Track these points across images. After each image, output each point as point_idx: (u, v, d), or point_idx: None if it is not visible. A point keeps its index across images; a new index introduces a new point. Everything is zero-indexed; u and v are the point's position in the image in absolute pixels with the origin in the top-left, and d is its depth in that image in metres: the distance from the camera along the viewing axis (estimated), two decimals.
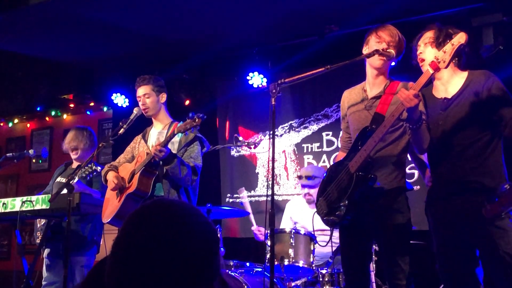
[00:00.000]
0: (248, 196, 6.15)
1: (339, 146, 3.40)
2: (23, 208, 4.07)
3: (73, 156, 4.54)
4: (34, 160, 8.19)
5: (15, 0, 5.17)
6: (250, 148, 4.71)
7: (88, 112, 7.93)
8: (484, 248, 2.71)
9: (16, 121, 8.49)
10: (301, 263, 3.96)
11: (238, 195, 6.00)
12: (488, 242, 2.66)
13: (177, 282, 1.23)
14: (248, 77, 5.92)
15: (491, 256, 2.68)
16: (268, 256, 3.87)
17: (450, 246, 2.79)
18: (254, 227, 4.78)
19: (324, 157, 5.93)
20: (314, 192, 4.59)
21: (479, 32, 4.73)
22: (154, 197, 3.61)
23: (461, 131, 2.78)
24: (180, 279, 1.24)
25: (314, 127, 6.03)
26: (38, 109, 8.05)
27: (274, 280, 2.85)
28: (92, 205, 4.01)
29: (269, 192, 2.76)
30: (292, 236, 4.00)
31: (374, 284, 3.80)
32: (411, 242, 3.00)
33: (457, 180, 2.77)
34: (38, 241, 4.36)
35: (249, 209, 4.86)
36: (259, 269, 4.16)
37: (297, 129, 6.12)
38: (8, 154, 4.65)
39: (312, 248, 4.01)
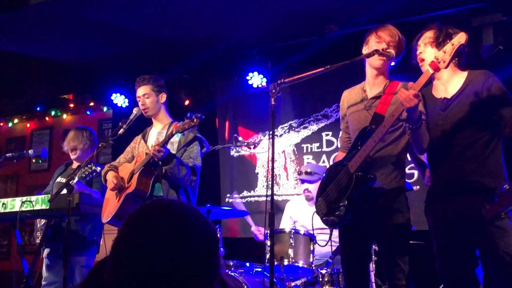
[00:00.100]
0: (248, 196, 6.16)
1: (339, 146, 3.40)
2: (23, 208, 4.07)
3: (73, 156, 4.54)
4: (34, 160, 8.19)
5: (15, 0, 5.18)
6: (250, 148, 4.71)
7: (88, 112, 7.93)
8: (484, 248, 2.71)
9: (16, 121, 8.49)
10: (300, 263, 3.96)
11: (239, 195, 6.01)
12: (488, 242, 2.66)
13: (177, 282, 1.23)
14: (248, 77, 5.92)
15: (491, 256, 2.68)
16: (267, 256, 3.87)
17: (450, 246, 2.79)
18: (253, 228, 4.78)
19: (324, 157, 5.93)
20: (312, 188, 4.61)
21: (479, 32, 4.74)
22: (153, 197, 3.61)
23: (461, 131, 2.78)
24: (180, 279, 1.24)
25: (314, 127, 6.03)
26: (38, 109, 8.05)
27: (274, 280, 2.85)
28: (92, 205, 4.01)
29: (269, 192, 2.76)
30: (292, 236, 4.00)
31: (374, 284, 3.80)
32: (411, 242, 3.00)
33: (457, 180, 2.77)
34: (38, 241, 4.36)
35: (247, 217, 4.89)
36: (259, 269, 4.16)
37: (296, 129, 6.12)
38: (8, 154, 4.64)
39: (311, 248, 4.01)
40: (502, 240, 2.62)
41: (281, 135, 6.17)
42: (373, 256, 3.75)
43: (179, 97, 6.38)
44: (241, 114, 6.47)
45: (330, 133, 5.92)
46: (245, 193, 6.22)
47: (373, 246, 3.58)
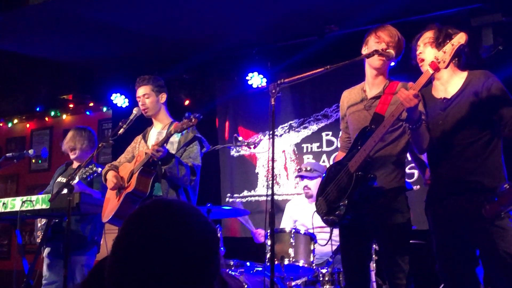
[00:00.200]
0: (249, 196, 6.17)
1: (339, 146, 3.40)
2: (23, 208, 4.07)
3: (72, 156, 4.54)
4: (34, 160, 8.19)
5: (15, 0, 5.18)
6: (250, 148, 4.73)
7: (87, 112, 7.93)
8: (484, 248, 2.72)
9: (16, 121, 8.49)
10: (301, 263, 3.96)
11: (239, 194, 6.01)
12: (488, 242, 2.67)
13: (177, 282, 1.23)
14: (247, 77, 5.92)
15: (491, 255, 2.68)
16: (268, 255, 3.87)
17: (450, 246, 2.79)
18: (254, 231, 4.80)
19: (324, 157, 5.94)
20: (312, 185, 4.62)
21: (479, 32, 4.74)
22: (153, 197, 3.61)
23: (461, 131, 2.78)
24: (180, 278, 1.24)
25: (314, 127, 6.03)
26: (38, 109, 8.04)
27: (274, 279, 2.85)
28: (92, 205, 4.01)
29: (269, 192, 2.76)
30: (292, 235, 4.00)
31: (374, 284, 3.81)
32: (411, 242, 3.00)
33: (457, 180, 2.77)
34: (38, 240, 4.36)
35: (242, 219, 4.89)
36: (259, 269, 4.17)
37: (296, 129, 6.13)
38: (8, 154, 4.65)
39: (312, 248, 4.01)
40: (502, 240, 2.62)
41: (281, 135, 6.17)
42: (374, 256, 3.76)
43: (179, 97, 6.38)
44: (241, 114, 6.47)
45: (330, 133, 5.92)
46: (245, 193, 6.22)
47: (374, 246, 3.58)
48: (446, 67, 2.65)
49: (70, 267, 3.87)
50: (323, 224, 3.15)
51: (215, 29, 5.58)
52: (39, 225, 4.42)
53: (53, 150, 7.90)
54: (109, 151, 7.15)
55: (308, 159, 6.01)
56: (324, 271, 4.05)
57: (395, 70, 3.12)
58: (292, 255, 3.95)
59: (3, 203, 4.19)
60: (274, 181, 3.81)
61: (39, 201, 4.06)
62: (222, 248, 4.24)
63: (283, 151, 6.18)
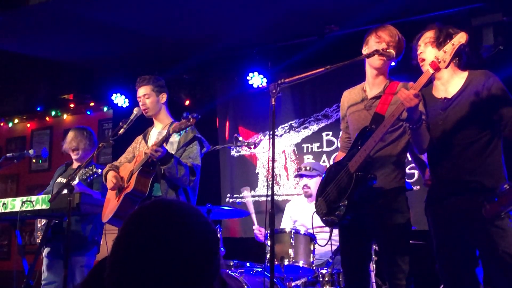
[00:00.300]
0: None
1: (339, 146, 3.40)
2: (23, 208, 4.07)
3: (74, 156, 4.54)
4: (34, 160, 8.19)
5: (15, 0, 5.18)
6: (250, 148, 4.72)
7: (88, 112, 7.93)
8: (484, 248, 2.71)
9: (16, 121, 8.49)
10: (301, 263, 3.96)
11: (240, 195, 6.00)
12: (488, 242, 2.66)
13: (177, 282, 1.23)
14: (248, 77, 5.92)
15: (491, 256, 2.68)
16: (268, 256, 3.87)
17: (450, 246, 2.79)
18: (255, 226, 4.78)
19: (324, 157, 5.94)
20: (311, 184, 4.62)
21: (479, 32, 4.74)
22: (152, 197, 3.61)
23: (461, 131, 2.78)
24: (180, 279, 1.24)
25: (314, 127, 6.03)
26: (38, 109, 8.05)
27: (274, 280, 2.85)
28: (92, 205, 4.01)
29: (269, 192, 2.76)
30: (292, 236, 4.00)
31: (374, 284, 3.80)
32: (411, 242, 3.00)
33: (457, 180, 2.77)
34: (38, 241, 4.36)
35: (251, 208, 4.86)
36: (259, 269, 4.16)
37: (297, 129, 6.13)
38: (8, 154, 4.64)
39: (312, 248, 4.01)
40: (502, 240, 2.62)
41: (281, 135, 6.17)
42: (374, 256, 3.75)
43: (179, 97, 6.38)
44: (241, 114, 6.47)
45: (331, 133, 5.92)
46: (245, 193, 6.21)
47: (374, 246, 3.58)
48: (446, 67, 2.65)
49: (70, 268, 3.87)
50: (323, 224, 3.15)
51: (215, 29, 5.58)
52: (39, 225, 4.42)
53: (53, 150, 7.90)
54: (109, 151, 7.16)
55: (308, 159, 6.01)
56: (324, 271, 4.04)
57: (396, 70, 3.12)
58: (292, 255, 3.95)
59: (3, 204, 4.19)
60: (274, 181, 3.81)
61: (39, 202, 4.06)
62: (222, 249, 4.23)
63: (283, 151, 6.18)
